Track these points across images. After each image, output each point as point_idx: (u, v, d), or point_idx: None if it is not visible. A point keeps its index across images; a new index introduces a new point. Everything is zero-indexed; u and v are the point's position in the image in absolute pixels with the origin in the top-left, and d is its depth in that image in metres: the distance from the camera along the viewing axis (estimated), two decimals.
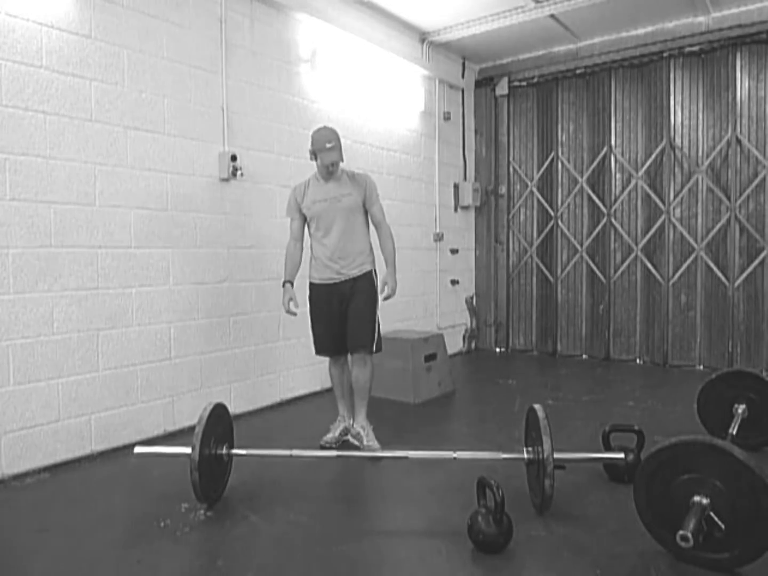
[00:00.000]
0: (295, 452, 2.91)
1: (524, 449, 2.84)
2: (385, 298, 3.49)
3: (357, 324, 3.44)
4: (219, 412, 2.86)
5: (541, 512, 2.61)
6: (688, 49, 5.69)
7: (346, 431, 3.64)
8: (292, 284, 3.50)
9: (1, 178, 3.05)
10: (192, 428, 3.89)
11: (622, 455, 2.78)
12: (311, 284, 3.54)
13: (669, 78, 5.82)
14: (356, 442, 3.54)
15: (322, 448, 3.52)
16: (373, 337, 3.47)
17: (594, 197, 6.35)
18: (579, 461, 2.90)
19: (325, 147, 3.34)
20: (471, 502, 2.45)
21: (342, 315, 3.46)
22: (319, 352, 3.61)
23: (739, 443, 2.84)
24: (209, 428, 2.71)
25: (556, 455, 2.53)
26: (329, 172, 3.42)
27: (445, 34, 5.88)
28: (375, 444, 3.48)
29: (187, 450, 2.62)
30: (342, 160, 3.41)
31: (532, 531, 2.48)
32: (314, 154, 3.40)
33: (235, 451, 2.92)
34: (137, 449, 2.87)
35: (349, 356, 3.59)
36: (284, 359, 4.62)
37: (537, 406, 2.75)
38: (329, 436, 3.62)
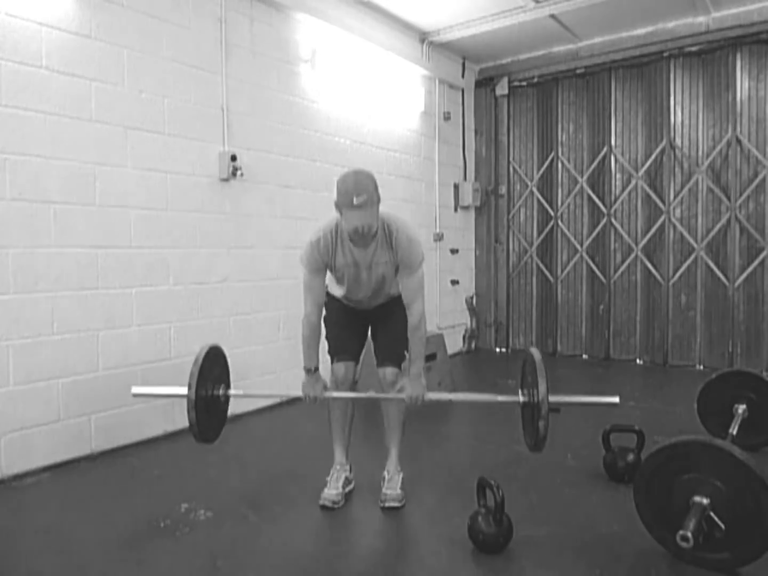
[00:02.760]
0: (293, 392, 2.88)
1: (519, 392, 2.78)
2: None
3: (391, 339, 2.81)
4: (215, 353, 2.75)
5: (534, 450, 2.57)
6: (688, 49, 5.68)
7: (348, 482, 2.87)
8: (318, 369, 2.71)
9: (1, 178, 3.05)
10: None
11: (616, 399, 2.69)
12: (329, 294, 2.81)
13: (669, 78, 5.82)
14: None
15: (324, 508, 2.71)
16: (404, 353, 2.81)
17: (594, 197, 6.34)
18: (572, 404, 2.86)
19: (352, 203, 2.36)
20: (471, 502, 2.44)
21: (366, 321, 2.88)
22: (336, 352, 2.82)
23: (739, 443, 2.83)
24: (205, 369, 2.61)
25: (551, 398, 2.47)
26: (359, 236, 2.48)
27: (445, 34, 5.87)
28: (396, 492, 2.76)
29: (184, 390, 2.55)
30: (376, 224, 2.48)
31: (532, 531, 2.48)
32: (338, 209, 2.47)
33: (231, 391, 2.82)
34: (134, 389, 2.85)
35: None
36: (284, 359, 4.61)
37: (533, 350, 2.68)
38: (332, 494, 2.74)
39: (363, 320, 2.90)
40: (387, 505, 2.74)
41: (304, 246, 2.61)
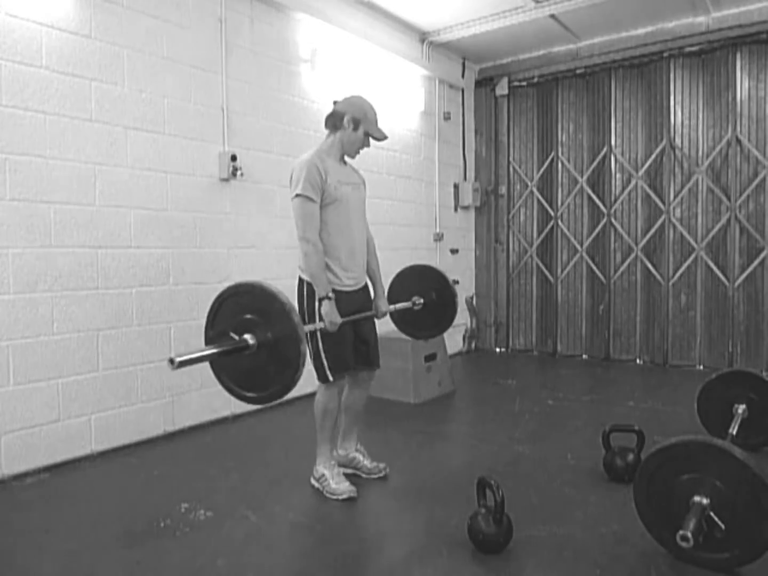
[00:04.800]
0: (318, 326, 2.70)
1: (413, 299, 3.33)
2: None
3: (375, 339, 3.05)
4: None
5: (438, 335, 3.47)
6: (688, 49, 5.68)
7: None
8: (333, 296, 2.73)
9: (1, 178, 3.05)
10: (192, 428, 3.93)
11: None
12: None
13: (669, 78, 5.82)
14: (350, 470, 3.08)
15: (350, 500, 2.80)
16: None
17: (594, 197, 6.35)
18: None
19: (376, 121, 2.87)
20: (471, 502, 2.45)
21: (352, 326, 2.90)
22: (340, 371, 2.83)
23: (739, 443, 2.84)
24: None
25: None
26: (358, 150, 2.89)
27: (445, 34, 5.87)
28: (379, 463, 3.10)
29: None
30: None
31: (532, 531, 2.48)
32: (355, 124, 2.79)
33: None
34: (177, 358, 2.03)
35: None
36: None
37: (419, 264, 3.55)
38: (347, 485, 2.85)
39: (353, 331, 2.93)
40: (386, 473, 3.08)
41: (298, 174, 2.72)
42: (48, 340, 3.25)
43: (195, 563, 2.28)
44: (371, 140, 2.90)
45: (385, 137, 2.89)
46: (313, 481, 2.97)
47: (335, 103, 2.90)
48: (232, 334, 2.26)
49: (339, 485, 2.84)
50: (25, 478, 3.12)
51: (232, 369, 2.31)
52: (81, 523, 2.61)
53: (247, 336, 2.22)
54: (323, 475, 2.89)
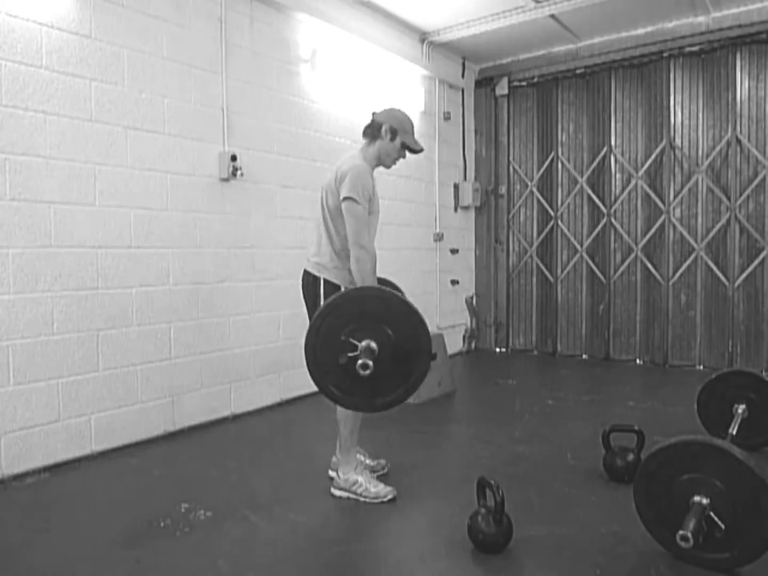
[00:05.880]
0: None
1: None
2: None
3: None
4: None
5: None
6: (688, 49, 5.69)
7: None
8: None
9: (1, 178, 3.05)
10: (192, 428, 3.93)
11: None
12: None
13: (669, 78, 5.82)
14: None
15: (394, 500, 2.81)
16: None
17: (594, 197, 6.35)
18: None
19: (413, 132, 2.91)
20: (471, 502, 2.45)
21: None
22: None
23: (739, 443, 2.84)
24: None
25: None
26: (394, 161, 2.91)
27: (445, 34, 5.87)
28: (380, 460, 3.18)
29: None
30: None
31: (532, 531, 2.48)
32: (393, 134, 2.81)
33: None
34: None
35: None
36: (284, 359, 4.62)
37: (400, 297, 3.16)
38: (383, 486, 2.84)
39: None
40: (388, 468, 3.14)
41: (352, 177, 2.66)
42: (48, 340, 3.25)
43: (195, 563, 2.28)
44: (407, 153, 2.92)
45: (421, 149, 2.90)
46: (338, 492, 2.85)
47: (374, 113, 2.91)
48: (352, 340, 2.24)
49: (379, 488, 2.80)
50: (25, 478, 3.12)
51: (341, 374, 2.28)
52: (81, 523, 2.61)
53: (366, 342, 2.23)
54: (357, 481, 2.82)
